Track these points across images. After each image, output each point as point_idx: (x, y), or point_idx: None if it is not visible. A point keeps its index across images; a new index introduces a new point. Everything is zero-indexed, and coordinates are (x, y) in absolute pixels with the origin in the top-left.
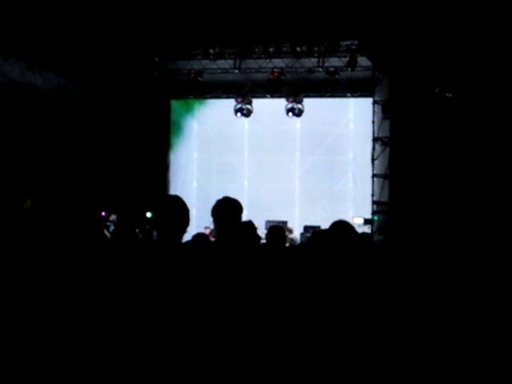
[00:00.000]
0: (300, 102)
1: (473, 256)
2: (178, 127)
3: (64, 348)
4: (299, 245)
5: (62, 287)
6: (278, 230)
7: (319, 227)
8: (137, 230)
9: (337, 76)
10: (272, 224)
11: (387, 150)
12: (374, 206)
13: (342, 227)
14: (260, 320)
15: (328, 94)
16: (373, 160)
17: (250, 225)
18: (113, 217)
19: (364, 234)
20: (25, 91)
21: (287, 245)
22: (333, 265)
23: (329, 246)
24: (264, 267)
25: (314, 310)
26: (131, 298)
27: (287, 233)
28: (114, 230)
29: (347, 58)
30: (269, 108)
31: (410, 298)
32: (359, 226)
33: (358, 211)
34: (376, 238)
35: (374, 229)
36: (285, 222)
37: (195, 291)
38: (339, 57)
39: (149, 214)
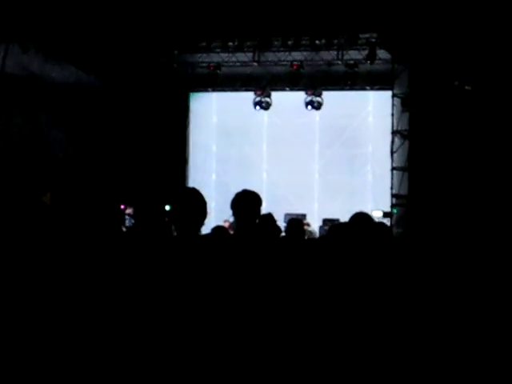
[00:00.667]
0: (319, 94)
1: (492, 250)
2: (197, 120)
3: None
4: (318, 238)
5: (80, 280)
6: (297, 222)
7: (338, 220)
8: (154, 223)
9: (356, 69)
10: (291, 217)
11: (406, 142)
12: (393, 199)
13: (361, 219)
14: (279, 312)
15: (347, 87)
16: (392, 153)
17: (269, 217)
18: (129, 210)
19: (382, 224)
20: (45, 84)
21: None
22: (351, 258)
23: (347, 239)
24: (284, 261)
25: (332, 304)
26: (149, 291)
27: (305, 226)
28: (133, 224)
29: (366, 51)
30: (288, 101)
31: (427, 292)
32: (378, 219)
33: (377, 204)
34: (395, 231)
35: (393, 222)
36: (304, 215)
37: (213, 284)
38: (358, 50)
39: (167, 207)
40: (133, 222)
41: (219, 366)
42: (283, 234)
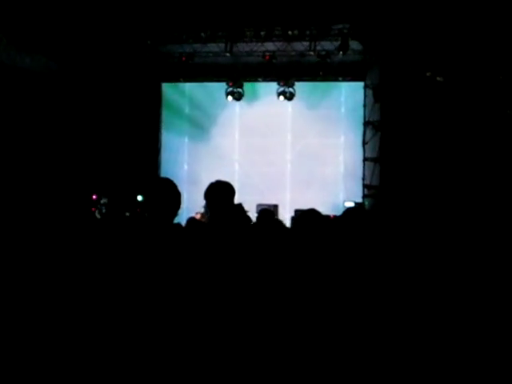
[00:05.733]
0: (291, 85)
1: (463, 238)
2: (169, 111)
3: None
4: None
5: (54, 268)
6: (268, 213)
7: None
8: (127, 213)
9: (328, 60)
10: (263, 207)
11: (378, 133)
12: (365, 189)
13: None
14: (254, 302)
15: (319, 78)
16: (364, 144)
17: (239, 208)
18: (104, 200)
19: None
20: (15, 73)
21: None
22: (326, 244)
23: (318, 226)
24: (257, 249)
25: (309, 291)
26: (123, 282)
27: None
28: (104, 213)
29: (339, 42)
30: (260, 91)
31: (404, 281)
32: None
33: (348, 195)
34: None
35: None
36: (276, 206)
37: (187, 274)
38: (331, 40)
39: (140, 198)
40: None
41: (201, 354)
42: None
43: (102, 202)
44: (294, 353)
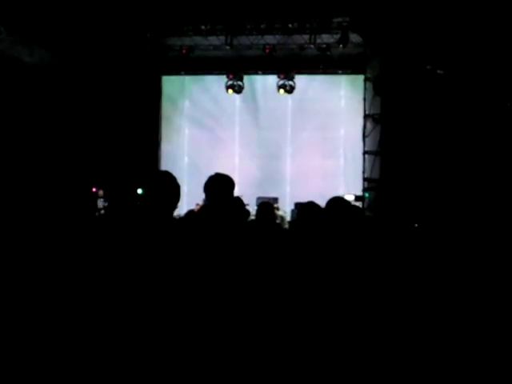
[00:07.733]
0: (291, 78)
1: (462, 232)
2: (170, 103)
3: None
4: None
5: (54, 262)
6: (267, 206)
7: None
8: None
9: (328, 53)
10: (263, 200)
11: (378, 126)
12: (365, 182)
13: (336, 203)
14: (252, 296)
15: (319, 71)
16: (364, 137)
17: (238, 200)
18: (100, 192)
19: (356, 207)
20: (14, 66)
21: (277, 221)
22: (323, 239)
23: (319, 221)
24: (255, 242)
25: (305, 286)
26: (122, 275)
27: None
28: (106, 206)
29: (339, 35)
30: (260, 84)
31: (402, 274)
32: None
33: (348, 188)
34: (366, 214)
35: (365, 206)
36: (276, 199)
37: (186, 266)
38: (331, 33)
39: (140, 191)
40: (105, 203)
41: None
42: (253, 217)
43: (102, 194)
44: (293, 350)
